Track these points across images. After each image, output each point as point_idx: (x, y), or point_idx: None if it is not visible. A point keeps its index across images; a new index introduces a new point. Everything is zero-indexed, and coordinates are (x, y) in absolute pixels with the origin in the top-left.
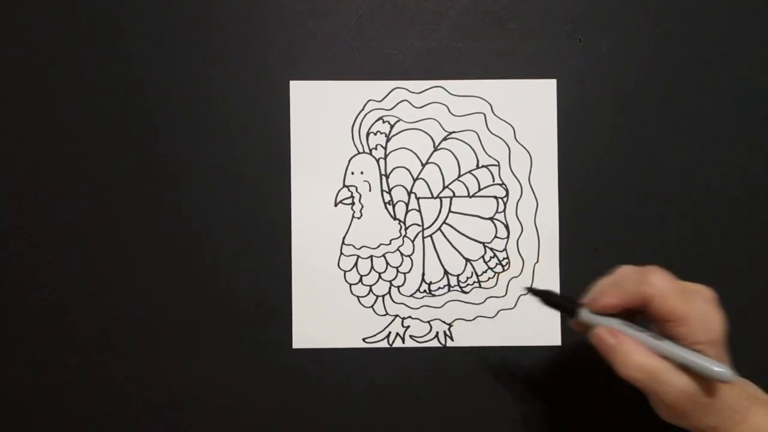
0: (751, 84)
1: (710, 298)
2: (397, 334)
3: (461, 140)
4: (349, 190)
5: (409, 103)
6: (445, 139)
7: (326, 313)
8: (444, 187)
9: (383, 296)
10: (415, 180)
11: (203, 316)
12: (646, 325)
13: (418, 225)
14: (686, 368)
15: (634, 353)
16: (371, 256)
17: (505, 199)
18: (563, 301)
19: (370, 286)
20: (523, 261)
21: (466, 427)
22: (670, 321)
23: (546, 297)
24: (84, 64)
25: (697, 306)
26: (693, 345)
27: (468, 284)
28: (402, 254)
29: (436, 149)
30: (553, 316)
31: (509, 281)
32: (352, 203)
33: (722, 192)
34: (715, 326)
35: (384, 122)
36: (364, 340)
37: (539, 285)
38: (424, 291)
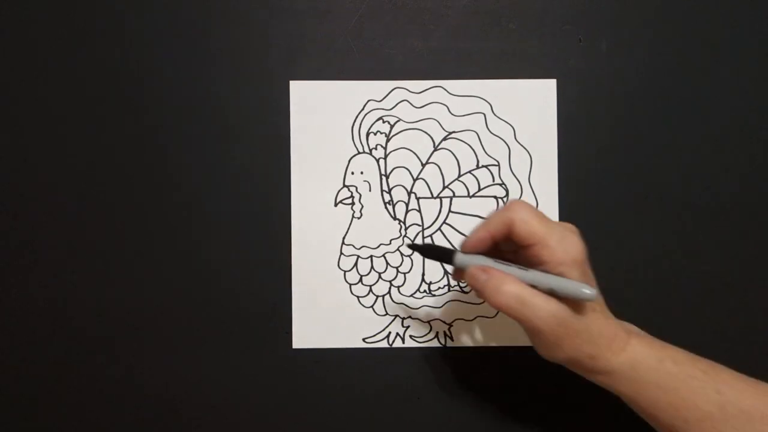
0: (750, 83)
1: (569, 227)
2: (397, 334)
3: (461, 140)
4: (349, 190)
5: (409, 103)
6: (445, 139)
7: (326, 313)
8: (444, 187)
9: (383, 296)
10: (415, 180)
11: (203, 316)
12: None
13: (418, 225)
14: (553, 293)
15: (504, 283)
16: (371, 256)
17: (505, 199)
18: (441, 251)
19: (370, 286)
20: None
21: (466, 427)
22: (533, 244)
23: (426, 250)
24: (83, 64)
25: (555, 230)
26: (557, 267)
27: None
28: (402, 254)
29: (436, 149)
30: None
31: None
32: (352, 203)
33: (722, 191)
34: (575, 248)
35: (384, 122)
36: (364, 340)
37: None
38: (424, 291)
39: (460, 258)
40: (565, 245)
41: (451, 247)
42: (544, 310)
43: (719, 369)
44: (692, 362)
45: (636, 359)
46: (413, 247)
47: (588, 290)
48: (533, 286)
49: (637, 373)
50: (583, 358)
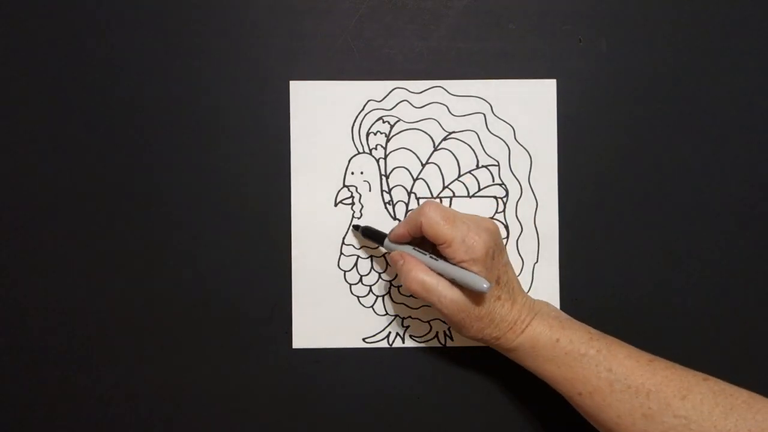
0: (751, 83)
1: (477, 226)
2: (397, 334)
3: (461, 140)
4: (349, 190)
5: (409, 103)
6: (445, 139)
7: (326, 313)
8: (444, 187)
9: (383, 296)
10: (415, 180)
11: (203, 316)
12: (436, 252)
13: None
14: (456, 283)
15: (413, 270)
16: (371, 256)
17: (505, 200)
18: (376, 234)
19: (370, 286)
20: (522, 261)
21: (466, 427)
22: (440, 243)
23: (364, 231)
24: (81, 65)
25: (459, 231)
26: (460, 263)
27: None
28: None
29: (436, 149)
30: None
31: None
32: (352, 203)
33: (723, 191)
34: (477, 247)
35: (384, 122)
36: (364, 340)
37: (539, 286)
38: None
39: (387, 243)
40: (467, 245)
41: (384, 233)
42: (446, 297)
43: (615, 348)
44: (588, 341)
45: (534, 338)
46: (356, 227)
47: (482, 284)
48: (442, 274)
49: (536, 351)
50: (487, 338)
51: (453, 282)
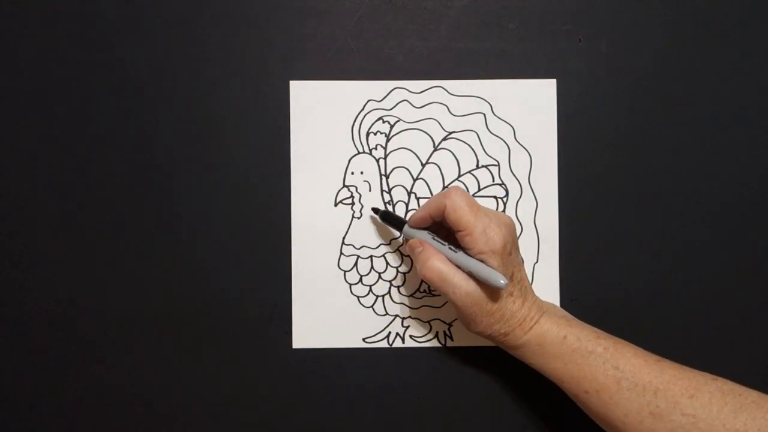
0: (751, 83)
1: (497, 219)
2: (397, 334)
3: (461, 140)
4: (349, 190)
5: (409, 103)
6: (445, 139)
7: (326, 313)
8: (444, 187)
9: (383, 296)
10: (415, 180)
11: (203, 316)
12: (452, 242)
13: None
14: (473, 276)
15: (432, 258)
16: (371, 256)
17: (505, 199)
18: (396, 219)
19: (370, 286)
20: (522, 261)
21: (466, 427)
22: (460, 231)
23: (384, 215)
24: (83, 65)
25: (481, 221)
26: (478, 254)
27: None
28: (402, 254)
29: (436, 149)
30: None
31: None
32: (352, 203)
33: (722, 191)
34: (496, 240)
35: (384, 122)
36: (364, 340)
37: (539, 286)
38: (424, 291)
39: (406, 229)
40: (488, 237)
41: (403, 219)
42: (461, 288)
43: (622, 347)
44: (595, 339)
45: (542, 335)
46: (375, 210)
47: (500, 279)
48: (459, 266)
49: (543, 348)
50: (495, 334)
51: (470, 275)
